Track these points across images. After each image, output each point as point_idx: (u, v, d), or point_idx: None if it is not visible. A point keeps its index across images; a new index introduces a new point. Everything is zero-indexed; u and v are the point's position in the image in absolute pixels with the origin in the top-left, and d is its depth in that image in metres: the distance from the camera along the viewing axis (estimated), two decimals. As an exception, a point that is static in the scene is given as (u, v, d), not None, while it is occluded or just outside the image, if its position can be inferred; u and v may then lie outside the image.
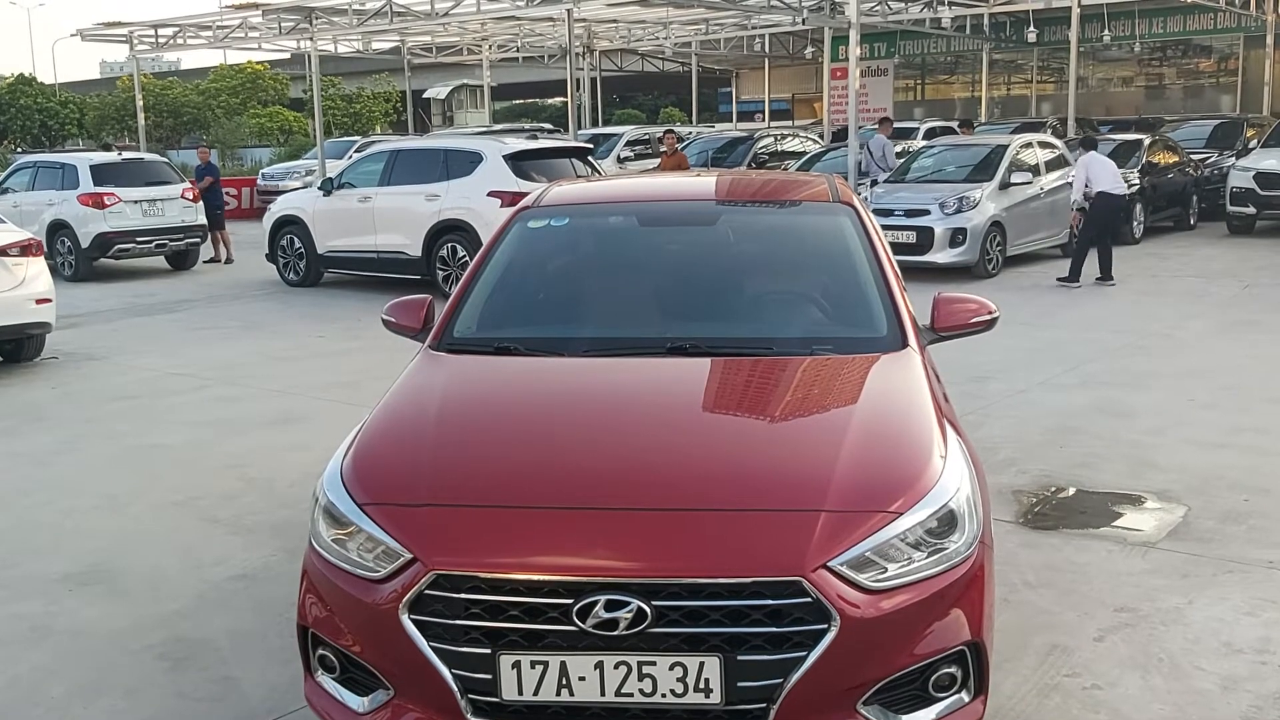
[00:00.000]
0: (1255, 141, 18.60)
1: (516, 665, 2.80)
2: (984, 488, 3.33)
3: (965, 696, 3.00)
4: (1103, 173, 12.98)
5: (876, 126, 17.66)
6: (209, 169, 17.94)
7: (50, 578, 5.02)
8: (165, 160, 18.33)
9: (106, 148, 28.82)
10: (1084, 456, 6.34)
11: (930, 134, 21.25)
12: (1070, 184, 15.15)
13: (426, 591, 2.86)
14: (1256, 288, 12.24)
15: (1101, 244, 12.96)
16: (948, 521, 2.99)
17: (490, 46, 33.22)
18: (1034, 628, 4.22)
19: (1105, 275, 12.87)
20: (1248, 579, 4.63)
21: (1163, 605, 4.40)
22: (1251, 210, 16.58)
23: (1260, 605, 4.38)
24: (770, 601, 2.76)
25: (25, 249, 9.57)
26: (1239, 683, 3.79)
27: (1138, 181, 16.22)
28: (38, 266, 9.66)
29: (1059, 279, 12.91)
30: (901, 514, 2.93)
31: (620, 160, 22.49)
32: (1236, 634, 4.14)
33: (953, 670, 2.96)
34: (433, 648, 2.85)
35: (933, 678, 2.94)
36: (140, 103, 29.05)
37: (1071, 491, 5.79)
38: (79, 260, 15.86)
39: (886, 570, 2.86)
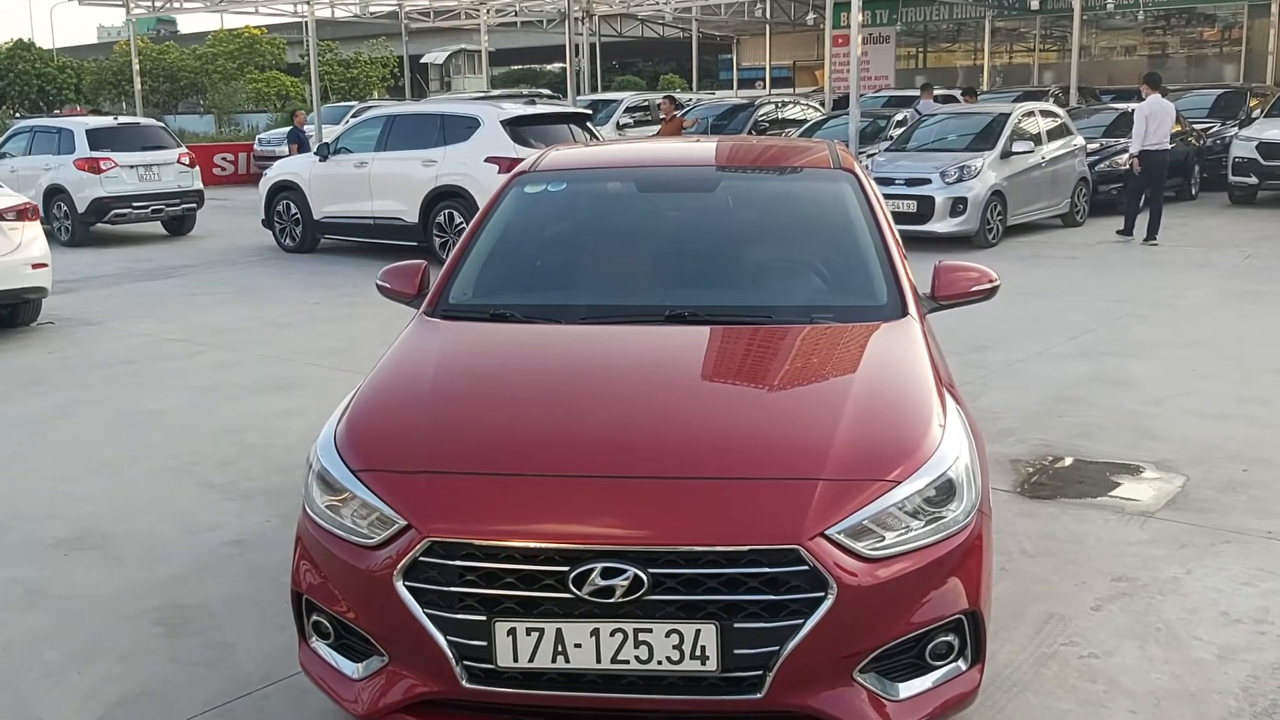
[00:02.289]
0: (1258, 111, 18.50)
1: (512, 632, 2.78)
2: (983, 457, 3.31)
3: (962, 665, 2.98)
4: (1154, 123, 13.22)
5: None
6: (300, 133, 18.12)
7: (45, 543, 5.00)
8: (161, 125, 18.22)
9: (95, 112, 28.67)
10: (1083, 426, 6.32)
11: (917, 100, 21.13)
12: (1073, 151, 15.17)
13: (421, 558, 2.84)
14: (1258, 258, 12.20)
15: (1137, 197, 13.45)
16: (946, 490, 2.97)
17: (488, 11, 32.97)
18: (1031, 597, 4.21)
19: (1150, 234, 13.28)
20: (1246, 549, 4.62)
21: (1161, 575, 4.39)
22: (1253, 180, 16.52)
23: (1258, 575, 4.37)
24: (767, 569, 2.74)
25: (21, 213, 9.52)
26: (1236, 652, 3.79)
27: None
28: (34, 231, 9.61)
29: (1117, 231, 13.62)
30: (900, 482, 2.91)
31: (619, 127, 22.36)
32: (1234, 604, 4.14)
33: (950, 639, 2.95)
34: (427, 614, 2.83)
35: (930, 646, 2.92)
36: (136, 67, 28.84)
37: (1070, 461, 5.77)
38: (75, 225, 15.79)
39: (884, 539, 2.84)
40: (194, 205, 16.68)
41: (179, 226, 16.81)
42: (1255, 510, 5.04)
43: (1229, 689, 3.56)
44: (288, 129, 21.56)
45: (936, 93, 22.50)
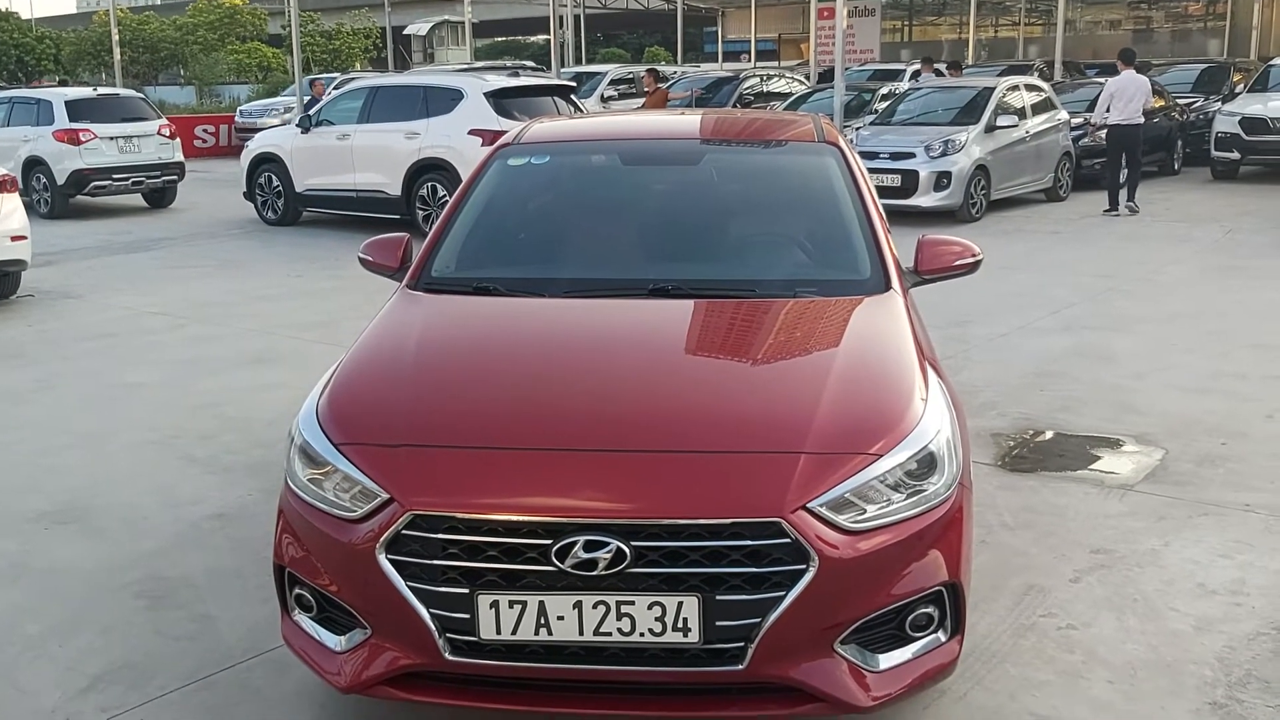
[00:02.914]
0: (1241, 86, 18.52)
1: (495, 605, 2.79)
2: (964, 430, 3.33)
3: (942, 636, 3.01)
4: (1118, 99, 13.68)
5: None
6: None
7: (26, 516, 4.98)
8: (141, 96, 18.05)
9: (64, 85, 28.35)
10: (1064, 400, 6.36)
11: (917, 75, 21.12)
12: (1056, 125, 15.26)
13: (404, 532, 2.84)
14: (1239, 233, 12.25)
15: (1115, 171, 13.88)
16: (927, 464, 2.98)
17: (472, -18, 32.68)
18: (1011, 569, 4.24)
19: (1119, 203, 13.79)
20: (1223, 521, 4.66)
21: (1139, 547, 4.43)
22: (1236, 156, 16.55)
23: (1235, 547, 4.41)
24: (749, 542, 2.75)
25: (0, 185, 9.43)
26: (1213, 624, 3.82)
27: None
28: (13, 203, 9.53)
29: (1104, 210, 13.86)
30: (881, 456, 2.92)
31: (604, 99, 22.27)
32: (1211, 576, 4.18)
33: (930, 610, 2.97)
34: (410, 587, 2.83)
35: (910, 618, 2.95)
36: (116, 38, 28.52)
37: (1050, 435, 5.81)
38: (55, 197, 15.65)
39: (865, 511, 2.85)
40: (175, 177, 16.55)
41: (159, 199, 16.68)
42: (1232, 483, 5.08)
43: (1205, 659, 3.60)
44: (265, 104, 21.24)
45: (919, 65, 22.42)
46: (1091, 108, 16.86)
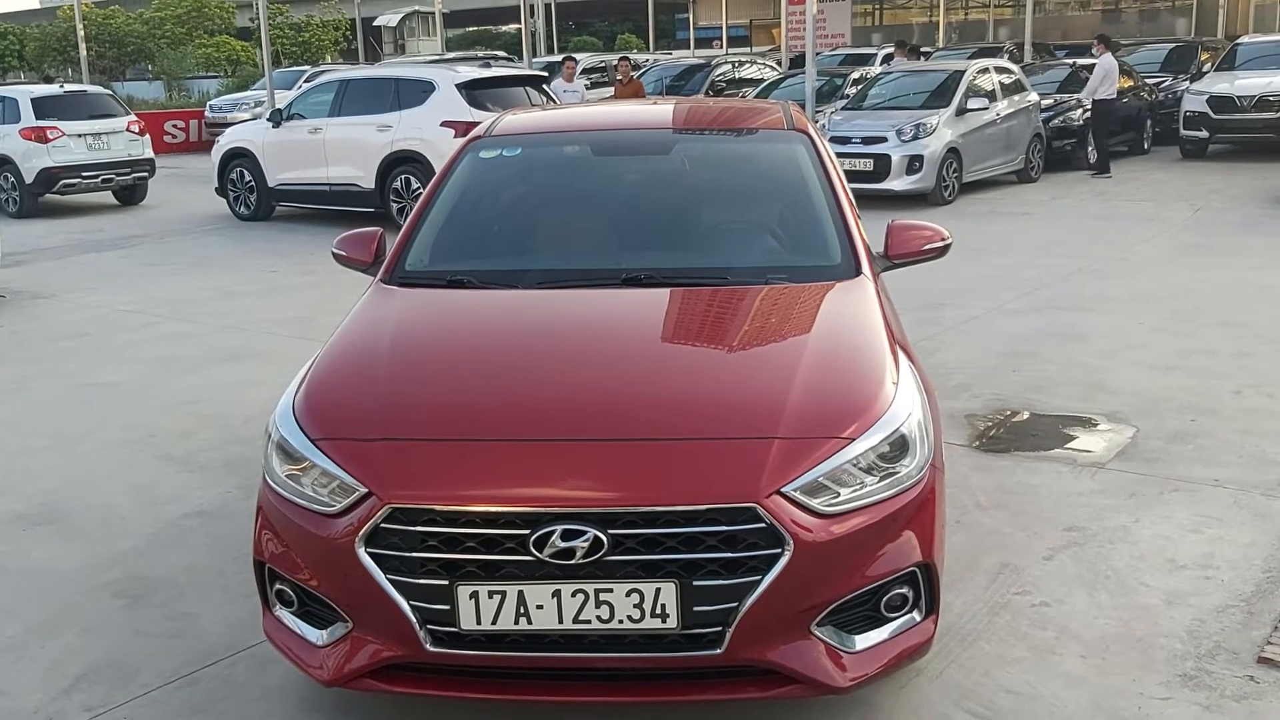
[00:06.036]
0: (1209, 65, 18.66)
1: (474, 596, 2.81)
2: (936, 412, 3.37)
3: (917, 616, 3.05)
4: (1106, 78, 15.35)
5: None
6: None
7: (2, 518, 4.97)
8: (109, 92, 17.89)
9: (48, 80, 28.06)
10: (1036, 380, 6.42)
11: (888, 59, 21.18)
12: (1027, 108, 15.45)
13: (382, 525, 2.86)
14: (1208, 211, 12.37)
15: (1106, 138, 15.59)
16: (899, 446, 3.02)
17: (441, -28, 32.50)
18: (985, 548, 4.30)
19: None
20: (1193, 497, 4.73)
21: (1110, 524, 4.49)
22: (1204, 134, 16.68)
23: (1204, 522, 4.48)
24: (725, 528, 2.78)
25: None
26: (1183, 597, 3.89)
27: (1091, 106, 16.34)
28: (-21, 203, 9.45)
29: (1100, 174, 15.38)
30: (854, 439, 2.96)
31: (576, 89, 22.18)
32: (1181, 550, 4.24)
33: (904, 591, 3.01)
34: (390, 580, 2.85)
35: (885, 598, 2.99)
36: (81, 33, 28.23)
37: (1024, 415, 5.87)
38: (23, 196, 15.51)
39: (839, 495, 2.89)
40: (145, 174, 16.42)
41: (130, 196, 16.55)
42: (1202, 459, 5.16)
43: (1175, 633, 3.66)
44: (235, 98, 21.00)
45: (889, 50, 22.35)
46: (1062, 89, 17.04)
